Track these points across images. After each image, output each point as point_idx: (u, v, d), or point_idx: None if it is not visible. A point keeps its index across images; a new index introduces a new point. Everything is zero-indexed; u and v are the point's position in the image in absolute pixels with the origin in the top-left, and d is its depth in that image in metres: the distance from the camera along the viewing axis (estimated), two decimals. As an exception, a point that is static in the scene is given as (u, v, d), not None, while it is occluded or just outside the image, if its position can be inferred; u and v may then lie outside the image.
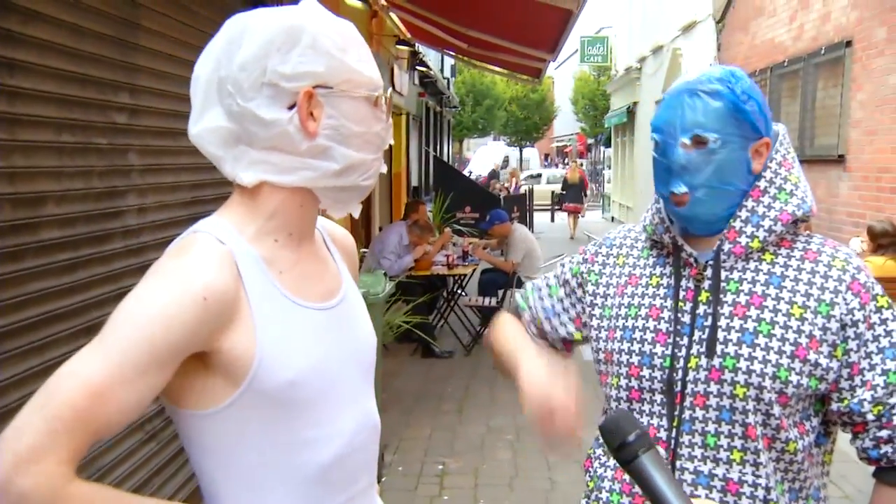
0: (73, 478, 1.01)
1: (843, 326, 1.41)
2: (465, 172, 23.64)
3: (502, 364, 1.68)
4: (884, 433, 1.40)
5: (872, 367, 1.40)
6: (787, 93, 9.96)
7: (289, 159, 1.19)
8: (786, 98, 10.02)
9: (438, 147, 21.81)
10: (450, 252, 8.57)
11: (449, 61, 22.37)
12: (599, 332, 1.60)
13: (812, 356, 1.40)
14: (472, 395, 6.32)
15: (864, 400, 1.40)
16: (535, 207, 19.50)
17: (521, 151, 39.70)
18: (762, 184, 1.47)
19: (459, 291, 8.77)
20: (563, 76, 43.94)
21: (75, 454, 1.01)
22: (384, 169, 1.33)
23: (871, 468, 1.46)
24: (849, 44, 8.11)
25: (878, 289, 1.46)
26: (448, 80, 22.39)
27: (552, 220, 22.89)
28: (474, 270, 8.80)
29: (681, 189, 1.45)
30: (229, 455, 1.17)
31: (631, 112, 21.87)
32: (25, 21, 2.48)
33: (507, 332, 1.74)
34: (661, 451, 1.47)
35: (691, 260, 1.50)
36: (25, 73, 2.48)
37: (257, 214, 1.21)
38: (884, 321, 1.43)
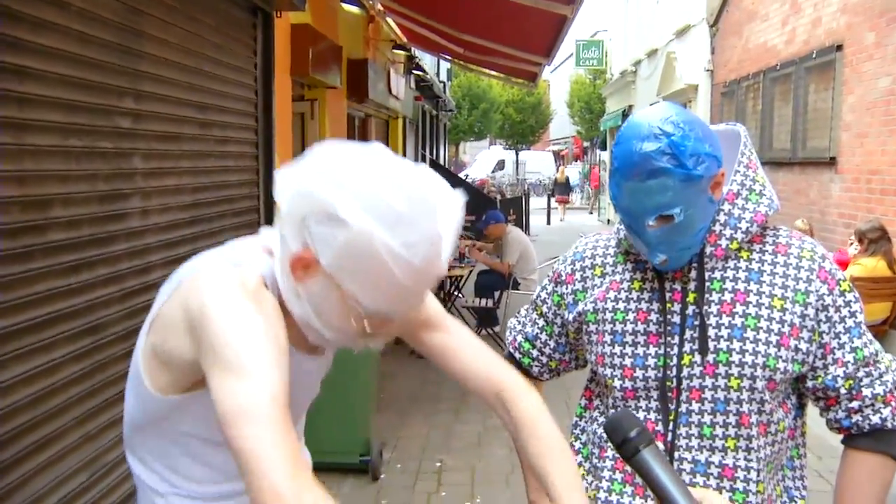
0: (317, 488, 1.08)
1: (817, 311, 1.53)
2: (462, 176, 23.76)
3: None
4: (854, 404, 1.54)
5: (842, 346, 1.54)
6: (780, 96, 10.06)
7: (279, 269, 1.24)
8: (778, 101, 10.12)
9: (435, 150, 21.90)
10: (446, 254, 8.65)
11: (445, 65, 22.47)
12: (591, 337, 1.67)
13: (793, 342, 1.52)
14: (469, 395, 6.38)
15: (837, 376, 1.54)
16: (531, 210, 19.69)
17: (517, 155, 39.79)
18: (735, 187, 1.56)
19: (456, 293, 8.84)
20: (560, 79, 44.06)
21: (303, 466, 1.09)
22: (357, 349, 1.35)
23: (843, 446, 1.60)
24: (839, 48, 8.22)
25: (840, 274, 1.58)
26: (444, 83, 22.49)
27: (548, 222, 23.00)
28: (470, 272, 8.88)
29: (660, 258, 1.53)
30: (159, 432, 1.33)
31: (626, 115, 21.96)
32: (34, 30, 2.56)
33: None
34: (660, 443, 1.56)
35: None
36: (34, 80, 2.56)
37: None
38: (847, 303, 1.56)
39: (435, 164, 17.54)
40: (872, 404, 1.54)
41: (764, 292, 1.54)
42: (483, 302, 8.35)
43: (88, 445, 2.86)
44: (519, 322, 1.85)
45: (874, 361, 1.55)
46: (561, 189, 26.88)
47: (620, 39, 24.46)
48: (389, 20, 9.95)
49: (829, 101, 8.50)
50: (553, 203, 25.13)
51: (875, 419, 1.54)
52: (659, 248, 1.52)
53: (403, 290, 1.16)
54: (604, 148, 25.27)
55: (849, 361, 1.54)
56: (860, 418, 1.55)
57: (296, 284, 1.20)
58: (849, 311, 1.55)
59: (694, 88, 14.34)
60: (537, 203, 24.96)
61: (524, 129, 40.04)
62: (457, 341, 1.52)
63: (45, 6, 2.60)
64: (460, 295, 8.98)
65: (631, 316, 1.61)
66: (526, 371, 1.81)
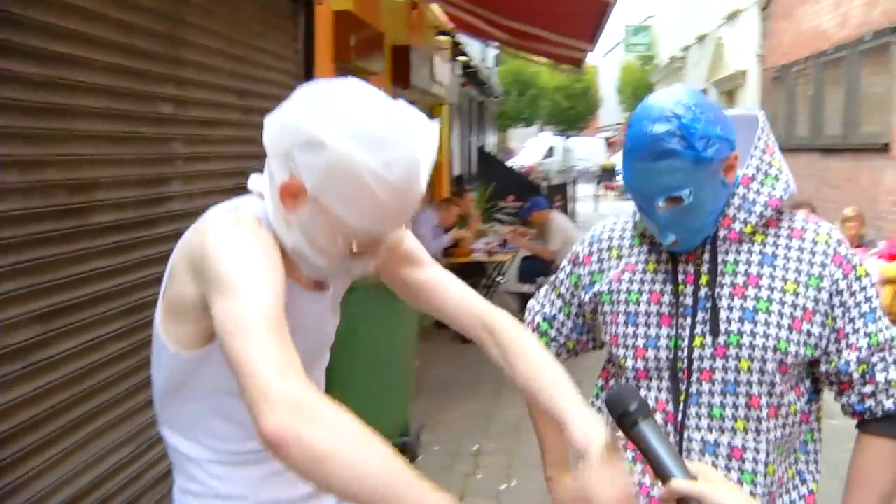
0: (316, 392, 1.10)
1: (831, 296, 1.54)
2: (509, 164, 23.73)
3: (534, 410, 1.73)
4: (867, 388, 1.54)
5: (856, 331, 1.54)
6: (831, 80, 9.84)
7: (271, 204, 1.31)
8: (829, 86, 9.90)
9: (482, 137, 21.88)
10: (489, 239, 8.68)
11: (492, 51, 22.40)
12: (605, 318, 1.70)
13: (806, 326, 1.53)
14: (509, 380, 6.41)
15: (850, 361, 1.54)
16: (577, 196, 19.60)
17: (565, 141, 39.52)
18: (750, 171, 1.57)
19: (499, 279, 8.88)
20: (609, 65, 43.59)
21: (299, 366, 1.12)
22: (348, 281, 1.43)
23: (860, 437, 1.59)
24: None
25: (856, 259, 1.58)
26: (491, 69, 22.42)
27: (595, 209, 22.85)
28: (514, 258, 8.89)
29: (670, 239, 1.54)
30: (194, 396, 1.38)
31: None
32: (84, 21, 2.65)
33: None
34: (669, 424, 1.59)
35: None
36: (80, 68, 2.65)
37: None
38: (863, 289, 1.56)
39: (480, 151, 17.54)
40: (886, 389, 1.54)
41: (777, 276, 1.55)
42: (526, 287, 8.37)
43: (129, 421, 2.97)
44: (538, 303, 1.87)
45: (889, 347, 1.55)
46: (608, 176, 27.37)
47: (670, 25, 24.09)
48: (434, 7, 9.96)
49: (883, 85, 8.29)
50: (600, 190, 25.20)
51: (889, 404, 1.53)
52: (669, 229, 1.54)
53: (384, 209, 1.23)
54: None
55: (862, 346, 1.54)
56: (873, 403, 1.55)
57: (286, 214, 1.28)
58: (864, 297, 1.55)
59: (743, 74, 14.11)
60: (587, 190, 24.81)
61: (573, 115, 39.75)
62: (442, 278, 1.57)
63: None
64: (504, 280, 9.01)
65: (644, 297, 1.63)
66: None
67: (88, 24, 2.69)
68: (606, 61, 44.06)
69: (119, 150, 2.91)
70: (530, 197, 9.39)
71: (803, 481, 1.62)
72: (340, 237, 1.27)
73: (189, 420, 1.42)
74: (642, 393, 1.63)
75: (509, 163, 26.40)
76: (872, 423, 1.56)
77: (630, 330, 1.64)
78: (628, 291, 1.65)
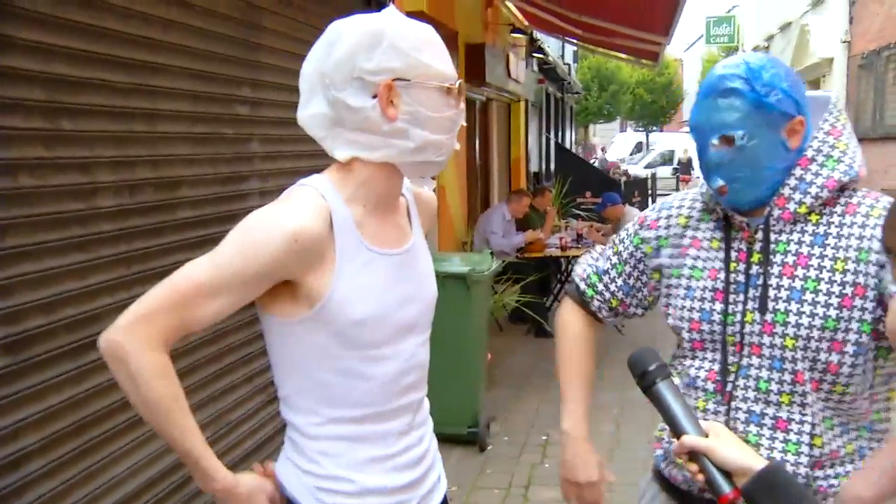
0: (166, 347, 1.36)
1: (878, 269, 1.53)
2: (592, 161, 23.59)
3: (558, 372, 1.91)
4: None
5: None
6: (922, 66, 9.49)
7: (374, 139, 1.46)
8: (920, 72, 9.56)
9: (560, 133, 21.79)
10: (563, 235, 8.72)
11: (571, 48, 22.28)
12: (669, 290, 1.77)
13: (859, 302, 1.54)
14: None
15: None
16: (657, 192, 19.34)
17: (647, 136, 38.91)
18: (809, 153, 1.60)
19: (574, 274, 8.91)
20: (692, 59, 42.73)
21: (171, 331, 1.36)
22: (457, 146, 1.57)
23: None
24: None
25: None
26: (569, 66, 22.30)
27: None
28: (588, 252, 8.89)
29: (718, 183, 1.60)
30: (305, 364, 1.47)
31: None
32: (166, 29, 2.85)
33: (567, 349, 1.92)
34: (718, 394, 1.67)
35: (744, 224, 1.65)
36: (164, 74, 2.86)
37: (350, 182, 1.50)
38: None
39: (559, 147, 17.49)
40: None
41: (827, 255, 1.57)
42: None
43: (212, 405, 3.17)
44: (592, 257, 1.93)
45: None
46: (684, 168, 27.26)
47: (753, 14, 23.50)
48: (509, 4, 10.03)
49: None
50: (679, 182, 24.96)
51: None
52: (717, 172, 1.59)
53: (440, 47, 1.48)
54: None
55: None
56: None
57: (393, 124, 1.44)
58: None
59: (829, 62, 13.68)
60: (667, 184, 24.48)
61: (655, 109, 39.11)
62: None
63: (171, 7, 2.89)
64: (578, 276, 9.02)
65: (705, 273, 1.70)
66: (587, 306, 1.91)
67: (169, 33, 2.89)
68: (689, 55, 43.18)
69: (199, 149, 3.11)
70: (603, 193, 9.39)
71: (861, 457, 1.63)
72: (438, 93, 1.46)
73: (314, 392, 1.48)
74: (696, 363, 1.72)
75: (592, 159, 26.31)
76: None
77: (688, 303, 1.72)
78: (692, 267, 1.72)
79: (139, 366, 1.32)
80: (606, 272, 1.87)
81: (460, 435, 4.70)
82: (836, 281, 1.56)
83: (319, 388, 1.48)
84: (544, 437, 5.00)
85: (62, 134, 2.36)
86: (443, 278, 3.88)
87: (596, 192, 12.12)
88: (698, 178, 1.74)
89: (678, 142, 35.35)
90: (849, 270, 1.55)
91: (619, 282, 1.86)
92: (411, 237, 1.60)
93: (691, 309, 1.71)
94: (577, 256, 8.46)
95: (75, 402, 2.41)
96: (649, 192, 16.92)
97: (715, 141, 1.57)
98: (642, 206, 12.60)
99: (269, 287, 1.42)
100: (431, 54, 1.46)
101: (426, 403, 1.68)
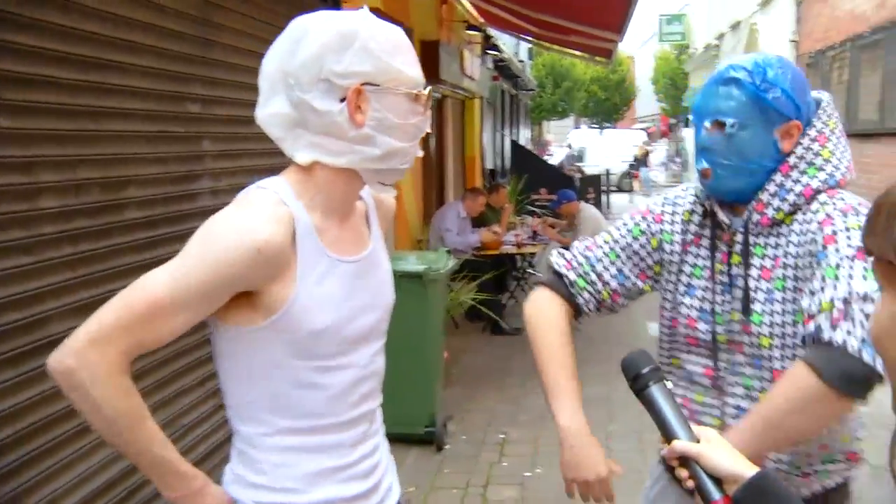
0: (125, 369, 1.29)
1: (818, 262, 1.55)
2: (545, 158, 23.68)
3: (538, 367, 1.84)
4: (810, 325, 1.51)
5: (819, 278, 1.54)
6: (868, 64, 9.71)
7: (339, 144, 1.40)
8: (865, 70, 9.78)
9: (516, 130, 21.87)
10: (518, 232, 8.74)
11: (525, 45, 22.36)
12: (667, 286, 1.82)
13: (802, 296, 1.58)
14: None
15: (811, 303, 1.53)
16: (611, 189, 19.54)
17: (600, 133, 39.21)
18: (792, 160, 1.64)
19: (530, 270, 8.94)
20: (645, 56, 43.20)
21: (127, 354, 1.28)
22: (420, 153, 1.53)
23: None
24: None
25: (851, 220, 1.54)
26: (524, 63, 22.37)
27: (630, 201, 22.74)
28: (544, 249, 8.93)
29: (703, 165, 1.65)
30: (255, 373, 1.42)
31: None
32: (116, 25, 2.77)
33: (548, 341, 1.81)
34: (713, 389, 1.73)
35: (724, 226, 1.70)
36: (113, 71, 2.77)
37: (310, 187, 1.43)
38: (833, 234, 1.54)
39: (513, 145, 17.54)
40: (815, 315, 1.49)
41: (790, 253, 1.63)
42: (556, 279, 8.40)
43: (163, 411, 3.09)
44: (584, 246, 1.89)
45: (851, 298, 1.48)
46: (638, 164, 28.38)
47: (704, 13, 23.85)
48: (464, 1, 10.01)
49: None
50: (631, 179, 25.47)
51: (811, 327, 1.49)
52: (704, 154, 1.64)
53: (410, 51, 1.43)
54: (688, 125, 24.78)
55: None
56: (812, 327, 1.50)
57: (360, 127, 1.38)
58: (834, 248, 1.52)
59: (778, 61, 13.93)
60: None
61: (608, 106, 39.45)
62: None
63: (122, 3, 2.80)
64: (535, 272, 9.06)
65: (706, 273, 1.75)
66: (572, 298, 1.84)
67: (119, 29, 2.80)
68: (642, 52, 43.66)
69: (148, 148, 3.03)
70: (559, 190, 9.43)
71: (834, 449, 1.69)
72: (406, 99, 1.42)
73: (267, 402, 1.42)
74: (692, 358, 1.77)
75: (546, 157, 26.42)
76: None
77: (686, 300, 1.76)
78: (693, 265, 1.77)
79: (98, 397, 1.26)
80: (600, 260, 1.85)
81: (417, 434, 4.68)
82: (797, 278, 1.61)
83: (271, 398, 1.43)
84: (502, 436, 5.00)
85: (1, 132, 2.27)
86: (399, 277, 3.80)
87: (551, 188, 12.19)
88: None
89: (633, 139, 35.74)
90: (799, 267, 1.61)
91: (613, 270, 1.84)
92: (370, 243, 1.56)
93: (689, 307, 1.76)
94: (533, 253, 8.46)
95: (14, 413, 2.31)
96: (602, 188, 17.06)
97: (707, 125, 1.63)
98: (597, 203, 12.71)
99: (229, 298, 1.36)
100: (403, 59, 1.41)
101: (380, 411, 1.64)
